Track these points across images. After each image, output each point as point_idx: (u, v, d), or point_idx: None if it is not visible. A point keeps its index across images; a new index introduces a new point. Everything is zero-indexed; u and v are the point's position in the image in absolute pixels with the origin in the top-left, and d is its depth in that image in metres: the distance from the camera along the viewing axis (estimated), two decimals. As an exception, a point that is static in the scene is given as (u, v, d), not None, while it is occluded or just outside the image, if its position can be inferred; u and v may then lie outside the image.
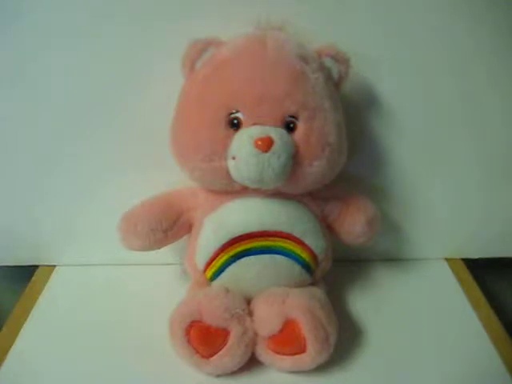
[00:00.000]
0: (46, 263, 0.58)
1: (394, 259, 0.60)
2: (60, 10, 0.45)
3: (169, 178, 0.48)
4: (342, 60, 0.43)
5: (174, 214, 0.46)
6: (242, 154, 0.39)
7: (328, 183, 0.44)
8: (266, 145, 0.38)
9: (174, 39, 0.44)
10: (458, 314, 0.53)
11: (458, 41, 0.48)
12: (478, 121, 0.52)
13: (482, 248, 0.60)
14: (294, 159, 0.40)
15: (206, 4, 0.45)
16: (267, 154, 0.38)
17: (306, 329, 0.41)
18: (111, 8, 0.46)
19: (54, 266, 0.58)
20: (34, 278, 0.57)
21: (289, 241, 0.44)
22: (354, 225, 0.48)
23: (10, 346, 0.47)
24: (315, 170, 0.41)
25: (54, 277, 0.57)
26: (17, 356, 0.46)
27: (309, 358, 0.41)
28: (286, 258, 0.44)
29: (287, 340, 0.42)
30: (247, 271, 0.44)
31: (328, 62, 0.43)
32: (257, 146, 0.38)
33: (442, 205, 0.57)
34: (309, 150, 0.40)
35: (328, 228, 0.48)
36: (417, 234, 0.59)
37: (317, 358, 0.41)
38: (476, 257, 0.60)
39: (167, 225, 0.46)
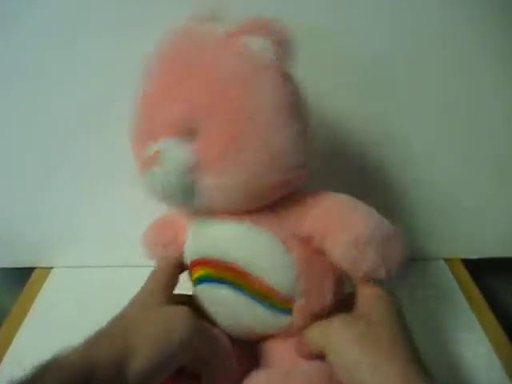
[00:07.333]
0: (43, 265, 0.58)
1: (394, 259, 0.59)
2: (59, 11, 0.45)
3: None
4: (277, 38, 0.32)
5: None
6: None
7: (301, 197, 0.36)
8: (150, 162, 0.33)
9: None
10: (457, 314, 0.52)
11: (459, 40, 0.48)
12: (478, 121, 0.52)
13: (481, 248, 0.60)
14: (196, 171, 0.32)
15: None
16: (155, 171, 0.33)
17: None
18: (111, 9, 0.45)
19: (51, 267, 0.58)
20: (31, 280, 0.57)
21: (243, 276, 0.35)
22: (334, 246, 0.34)
23: (7, 348, 0.47)
24: (232, 180, 0.32)
25: (51, 278, 0.57)
26: (14, 358, 0.46)
27: None
28: (243, 295, 0.36)
29: None
30: (207, 299, 0.39)
31: (256, 44, 0.32)
32: (144, 164, 0.34)
33: (441, 205, 0.57)
34: (212, 160, 0.32)
35: (319, 253, 0.36)
36: (416, 234, 0.59)
37: None
38: (475, 257, 0.60)
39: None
